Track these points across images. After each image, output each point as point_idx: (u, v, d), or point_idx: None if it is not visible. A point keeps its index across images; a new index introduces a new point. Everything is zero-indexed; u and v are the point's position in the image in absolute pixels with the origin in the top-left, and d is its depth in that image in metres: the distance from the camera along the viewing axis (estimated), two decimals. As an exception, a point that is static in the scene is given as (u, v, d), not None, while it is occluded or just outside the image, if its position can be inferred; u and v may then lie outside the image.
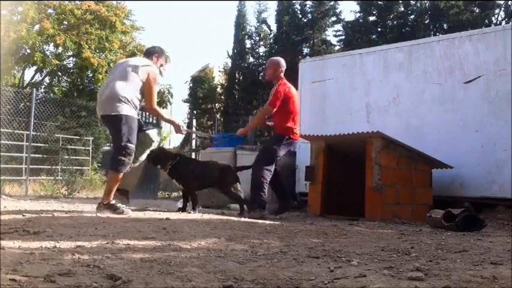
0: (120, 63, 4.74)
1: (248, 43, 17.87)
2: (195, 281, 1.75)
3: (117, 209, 4.10)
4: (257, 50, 17.82)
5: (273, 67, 5.25)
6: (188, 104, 17.95)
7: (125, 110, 4.26)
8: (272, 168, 5.02)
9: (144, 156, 4.63)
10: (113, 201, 4.16)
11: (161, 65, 4.74)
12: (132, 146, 4.24)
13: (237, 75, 17.55)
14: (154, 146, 4.71)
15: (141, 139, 4.46)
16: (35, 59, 13.03)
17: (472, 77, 6.06)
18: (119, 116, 4.23)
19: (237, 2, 23.51)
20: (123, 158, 4.18)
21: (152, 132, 4.72)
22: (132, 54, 14.67)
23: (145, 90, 4.42)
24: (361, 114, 6.90)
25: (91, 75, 14.67)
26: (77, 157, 12.08)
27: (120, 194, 4.42)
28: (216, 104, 18.09)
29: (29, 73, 16.99)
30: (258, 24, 17.64)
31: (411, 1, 15.63)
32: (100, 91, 4.51)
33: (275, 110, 5.10)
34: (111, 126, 4.36)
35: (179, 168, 4.92)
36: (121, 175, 4.21)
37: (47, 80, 15.84)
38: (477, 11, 14.35)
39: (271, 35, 17.43)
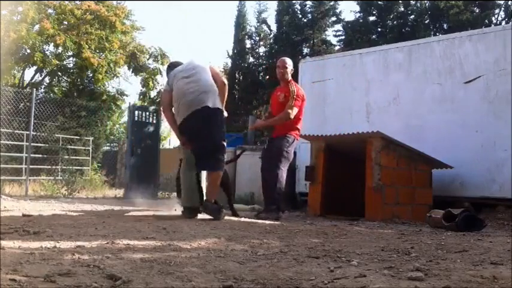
0: (192, 63, 4.40)
1: (248, 43, 17.86)
2: (195, 281, 1.75)
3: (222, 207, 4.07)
4: (257, 50, 17.82)
5: (285, 67, 5.22)
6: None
7: (220, 105, 4.16)
8: (286, 169, 5.01)
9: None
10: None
11: None
12: None
13: (237, 75, 17.54)
14: None
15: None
16: (35, 59, 13.03)
17: (472, 77, 6.06)
18: (220, 110, 4.13)
19: (237, 2, 23.52)
20: (223, 157, 4.15)
21: None
22: (132, 54, 14.68)
23: (217, 75, 4.35)
24: (361, 114, 6.90)
25: (91, 75, 14.67)
26: (77, 157, 12.10)
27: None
28: (216, 104, 18.05)
29: (29, 73, 17.01)
30: (258, 24, 17.64)
31: (411, 1, 15.64)
32: (188, 86, 4.15)
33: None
34: (211, 121, 4.11)
35: None
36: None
37: (47, 80, 15.84)
38: (477, 11, 14.36)
39: (271, 35, 17.43)
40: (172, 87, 4.24)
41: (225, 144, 4.19)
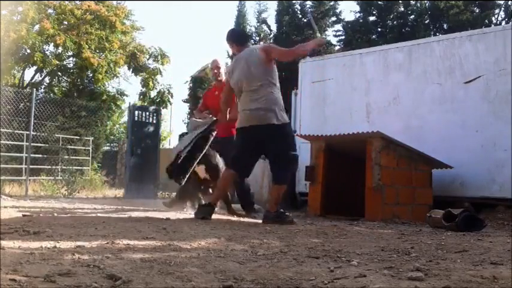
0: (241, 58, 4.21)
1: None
2: (195, 281, 1.75)
3: (287, 217, 4.08)
4: (257, 50, 17.78)
5: (218, 67, 5.40)
6: (188, 104, 17.96)
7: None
8: None
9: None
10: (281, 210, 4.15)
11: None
12: None
13: (237, 75, 17.50)
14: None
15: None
16: (35, 59, 13.02)
17: (472, 77, 6.06)
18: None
19: (237, 2, 23.52)
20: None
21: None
22: (132, 54, 14.68)
23: (276, 53, 4.23)
24: (361, 114, 6.90)
25: (91, 75, 14.66)
26: (77, 157, 12.10)
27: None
28: (216, 104, 18.05)
29: (29, 73, 16.97)
30: (258, 24, 17.63)
31: (411, 1, 15.63)
32: (250, 98, 4.10)
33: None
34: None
35: None
36: None
37: (47, 80, 15.83)
38: (477, 11, 14.36)
39: (271, 35, 17.42)
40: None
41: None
